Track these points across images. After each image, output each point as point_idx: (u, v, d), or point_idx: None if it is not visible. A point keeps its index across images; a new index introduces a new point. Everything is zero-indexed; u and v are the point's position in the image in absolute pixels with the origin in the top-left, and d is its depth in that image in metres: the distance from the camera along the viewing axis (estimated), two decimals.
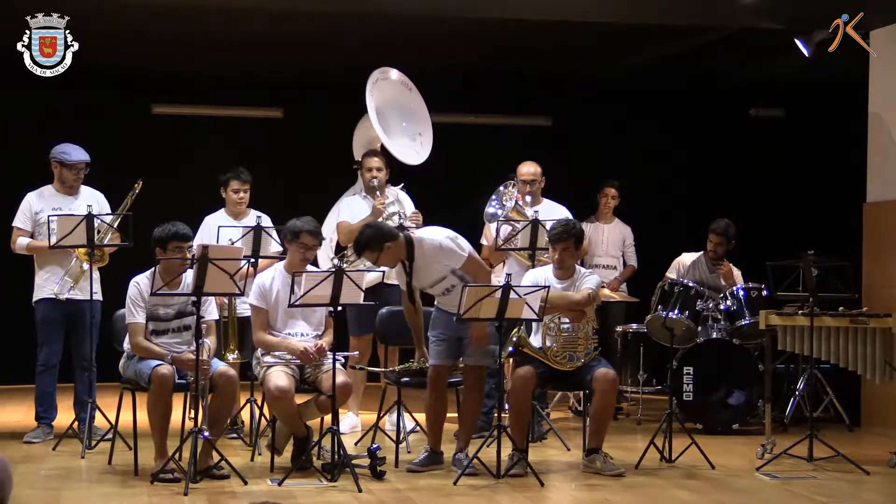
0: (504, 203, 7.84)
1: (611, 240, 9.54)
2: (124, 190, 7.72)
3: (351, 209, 8.13)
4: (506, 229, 7.71)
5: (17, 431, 7.82)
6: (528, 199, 8.01)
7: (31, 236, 7.62)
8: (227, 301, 7.44)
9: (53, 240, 7.22)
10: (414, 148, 8.65)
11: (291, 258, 6.71)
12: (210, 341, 6.50)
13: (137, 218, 7.32)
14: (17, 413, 8.81)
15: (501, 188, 7.89)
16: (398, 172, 8.41)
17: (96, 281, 7.62)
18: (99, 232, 7.37)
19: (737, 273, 8.79)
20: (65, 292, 7.55)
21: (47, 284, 7.59)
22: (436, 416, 6.81)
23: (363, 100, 8.46)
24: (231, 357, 7.45)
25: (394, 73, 8.68)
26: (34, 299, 7.66)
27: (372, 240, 6.51)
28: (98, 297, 7.66)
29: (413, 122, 8.74)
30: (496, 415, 6.62)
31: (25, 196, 7.72)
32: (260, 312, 6.71)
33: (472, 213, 8.18)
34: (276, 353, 6.62)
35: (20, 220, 7.66)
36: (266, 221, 7.71)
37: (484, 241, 8.38)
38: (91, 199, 7.58)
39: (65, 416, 7.73)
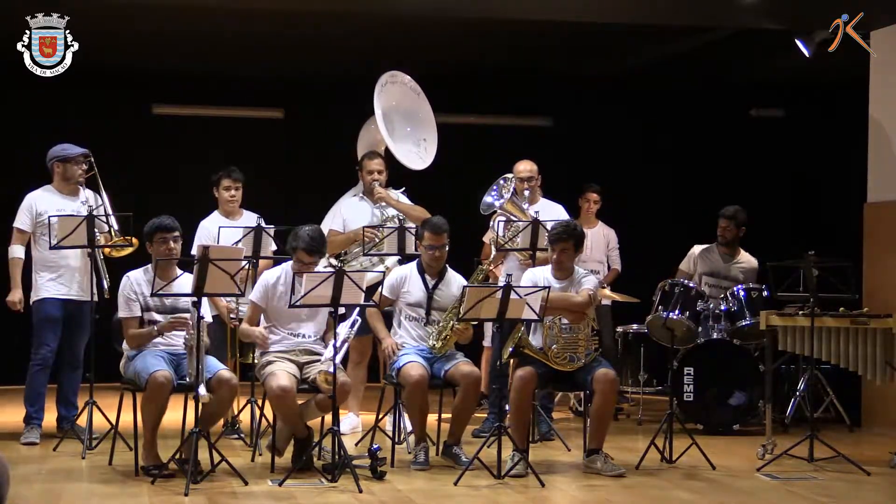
0: (502, 194, 7.85)
1: (595, 244, 9.39)
2: (124, 190, 7.71)
3: (349, 210, 8.12)
4: (500, 222, 7.70)
5: (17, 432, 7.80)
6: (527, 193, 8.02)
7: (31, 237, 7.57)
8: None
9: (54, 241, 7.21)
10: (418, 153, 8.60)
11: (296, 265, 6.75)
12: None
13: (137, 219, 7.29)
14: (16, 414, 8.78)
15: (501, 180, 7.90)
16: (400, 174, 8.40)
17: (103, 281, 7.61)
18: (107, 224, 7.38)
19: (751, 260, 8.78)
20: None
21: (48, 284, 7.54)
22: (425, 414, 6.87)
23: (364, 100, 8.43)
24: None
25: (404, 78, 8.58)
26: (34, 298, 7.60)
27: None
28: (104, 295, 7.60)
29: (418, 127, 8.66)
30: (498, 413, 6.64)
31: (27, 196, 7.62)
32: (257, 309, 6.74)
33: (472, 212, 8.17)
34: (273, 350, 6.65)
35: (21, 220, 7.55)
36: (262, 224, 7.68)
37: (486, 240, 8.38)
38: (91, 200, 7.56)
39: (52, 416, 7.70)
